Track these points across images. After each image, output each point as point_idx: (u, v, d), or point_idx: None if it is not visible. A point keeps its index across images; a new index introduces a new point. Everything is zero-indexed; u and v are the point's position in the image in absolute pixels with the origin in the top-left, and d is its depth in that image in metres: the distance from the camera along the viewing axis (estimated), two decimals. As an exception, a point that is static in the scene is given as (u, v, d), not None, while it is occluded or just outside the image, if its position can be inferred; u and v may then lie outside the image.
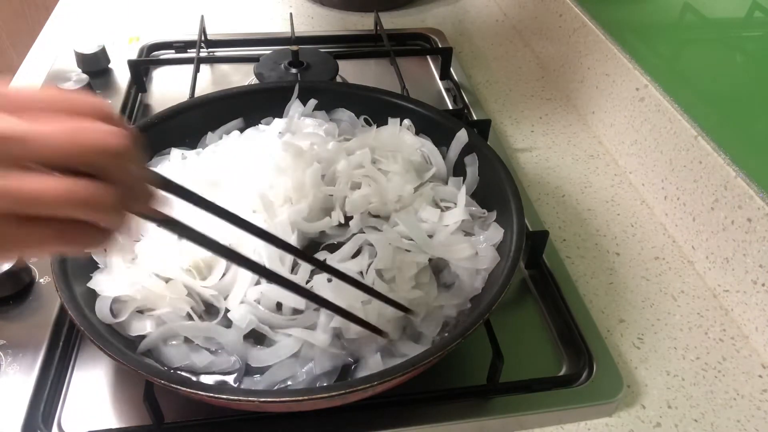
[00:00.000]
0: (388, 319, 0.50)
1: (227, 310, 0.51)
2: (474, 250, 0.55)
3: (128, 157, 0.30)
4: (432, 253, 0.55)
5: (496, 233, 0.55)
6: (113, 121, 0.31)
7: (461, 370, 0.53)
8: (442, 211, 0.59)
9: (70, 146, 0.29)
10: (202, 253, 0.53)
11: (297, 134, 0.64)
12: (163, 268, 0.51)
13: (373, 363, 0.48)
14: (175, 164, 0.62)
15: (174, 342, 0.49)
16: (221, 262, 0.53)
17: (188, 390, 0.41)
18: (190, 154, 0.64)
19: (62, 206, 0.29)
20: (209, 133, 0.67)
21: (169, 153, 0.64)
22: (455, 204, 0.60)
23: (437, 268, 0.56)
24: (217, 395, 0.41)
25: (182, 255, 0.52)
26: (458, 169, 0.64)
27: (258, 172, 0.60)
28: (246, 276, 0.52)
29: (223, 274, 0.53)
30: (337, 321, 0.49)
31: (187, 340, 0.50)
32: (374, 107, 0.68)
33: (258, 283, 0.52)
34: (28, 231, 0.29)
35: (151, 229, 0.54)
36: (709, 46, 0.66)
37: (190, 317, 0.50)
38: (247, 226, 0.43)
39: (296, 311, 0.51)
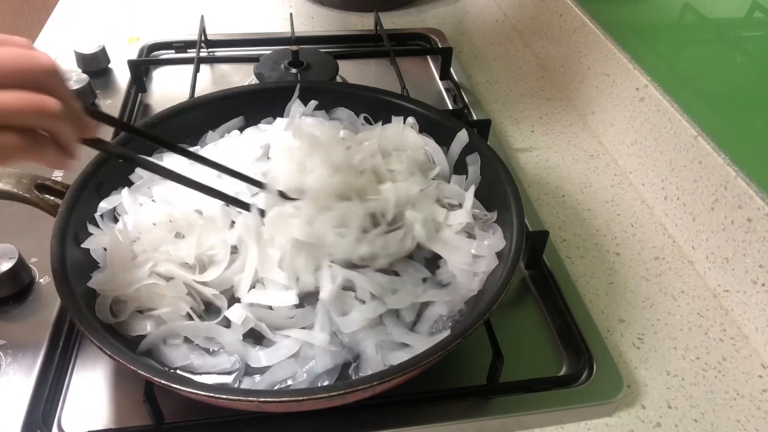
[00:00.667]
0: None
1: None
2: (472, 254, 0.55)
3: (59, 72, 0.36)
4: (433, 248, 0.56)
5: (498, 242, 0.55)
6: (36, 50, 0.37)
7: (461, 370, 0.53)
8: (447, 210, 0.59)
9: (12, 65, 0.34)
10: (207, 247, 0.53)
11: (304, 125, 0.64)
12: (163, 265, 0.51)
13: (374, 361, 0.48)
14: (173, 159, 0.62)
15: (174, 342, 0.49)
16: (224, 257, 0.53)
17: (188, 390, 0.41)
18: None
19: (16, 113, 0.34)
20: (210, 132, 0.67)
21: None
22: (458, 202, 0.60)
23: (435, 265, 0.56)
24: (217, 395, 0.41)
25: (187, 248, 0.52)
26: (458, 170, 0.64)
27: (271, 162, 0.60)
28: (252, 265, 0.52)
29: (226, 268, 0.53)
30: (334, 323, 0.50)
31: (187, 340, 0.50)
32: (374, 107, 0.68)
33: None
34: None
35: (148, 226, 0.54)
36: (709, 46, 0.66)
37: (190, 317, 0.50)
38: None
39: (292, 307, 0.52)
